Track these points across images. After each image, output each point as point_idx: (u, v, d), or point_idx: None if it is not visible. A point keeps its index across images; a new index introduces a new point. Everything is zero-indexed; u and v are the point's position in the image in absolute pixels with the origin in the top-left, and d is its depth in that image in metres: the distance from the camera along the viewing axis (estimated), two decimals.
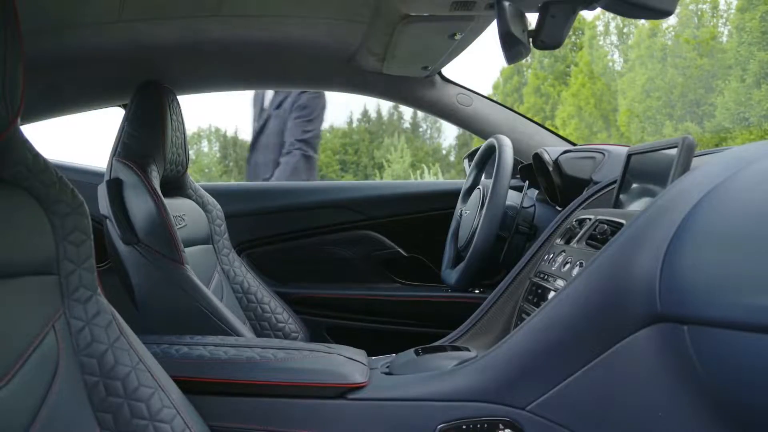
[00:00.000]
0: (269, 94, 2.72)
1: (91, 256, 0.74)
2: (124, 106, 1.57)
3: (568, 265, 0.98)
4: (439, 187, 1.80)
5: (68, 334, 0.70)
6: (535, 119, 1.81)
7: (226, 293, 1.46)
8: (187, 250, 1.31)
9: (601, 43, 18.01)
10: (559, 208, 1.43)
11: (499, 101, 1.82)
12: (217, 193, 1.52)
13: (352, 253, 1.60)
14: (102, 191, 1.25)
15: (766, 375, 0.50)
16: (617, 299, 0.71)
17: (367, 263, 1.59)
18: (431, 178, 15.91)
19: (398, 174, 20.70)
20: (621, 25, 17.64)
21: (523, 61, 0.93)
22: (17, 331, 0.64)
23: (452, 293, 1.52)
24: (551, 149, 1.44)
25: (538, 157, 1.45)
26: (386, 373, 0.93)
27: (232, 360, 0.91)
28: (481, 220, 1.28)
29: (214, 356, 0.92)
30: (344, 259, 1.58)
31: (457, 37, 1.30)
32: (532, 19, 0.86)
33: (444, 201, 1.68)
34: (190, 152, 1.45)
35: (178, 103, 1.40)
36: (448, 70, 1.68)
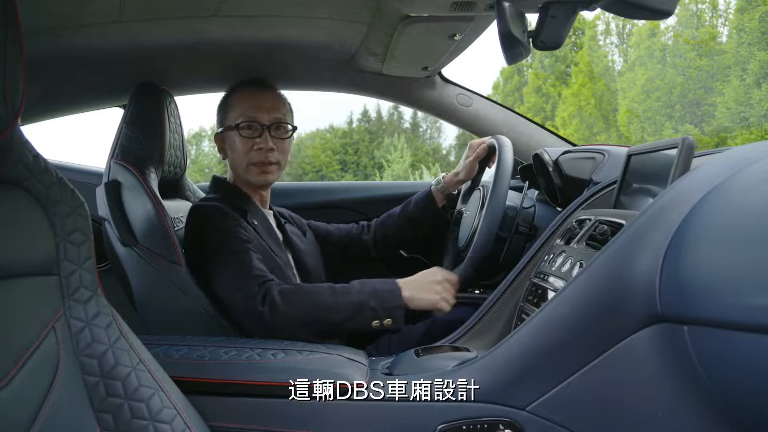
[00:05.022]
0: None
1: (92, 257, 0.74)
2: (123, 107, 1.57)
3: (568, 266, 0.98)
4: None
5: (68, 334, 0.70)
6: (536, 119, 1.81)
7: None
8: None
9: (601, 43, 18.01)
10: (559, 209, 1.43)
11: (499, 101, 1.81)
12: None
13: None
14: (100, 193, 1.25)
15: (766, 375, 0.50)
16: (617, 300, 0.71)
17: (368, 265, 1.55)
18: (431, 178, 15.85)
19: (398, 174, 20.66)
20: (621, 26, 17.65)
21: (524, 60, 0.93)
22: (17, 332, 0.64)
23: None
24: (551, 150, 1.44)
25: (538, 158, 1.45)
26: (386, 374, 0.93)
27: (232, 360, 0.91)
28: (481, 221, 1.28)
29: (214, 356, 0.92)
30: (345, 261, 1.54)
31: (457, 37, 1.30)
32: (532, 19, 0.86)
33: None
34: (191, 152, 1.45)
35: (176, 105, 1.40)
36: (448, 71, 1.68)
